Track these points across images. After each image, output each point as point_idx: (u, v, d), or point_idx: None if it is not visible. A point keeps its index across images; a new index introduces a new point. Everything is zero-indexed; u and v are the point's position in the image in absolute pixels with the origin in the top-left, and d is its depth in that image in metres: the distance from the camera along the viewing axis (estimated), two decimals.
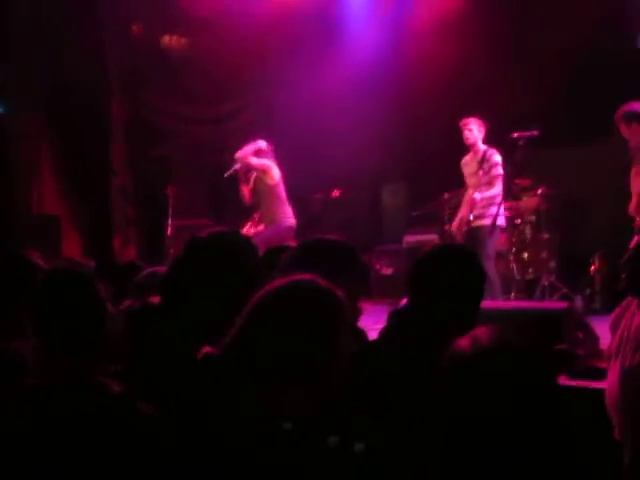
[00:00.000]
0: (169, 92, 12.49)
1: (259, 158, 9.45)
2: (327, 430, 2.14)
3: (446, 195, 10.07)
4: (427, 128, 11.73)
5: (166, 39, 12.78)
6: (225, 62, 11.97)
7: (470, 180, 8.86)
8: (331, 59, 12.02)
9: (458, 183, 9.91)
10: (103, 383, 2.63)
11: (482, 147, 8.75)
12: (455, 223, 8.91)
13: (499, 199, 8.55)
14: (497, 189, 8.64)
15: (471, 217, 8.56)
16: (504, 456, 1.85)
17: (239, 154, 9.53)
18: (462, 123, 8.87)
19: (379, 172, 12.94)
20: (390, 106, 12.09)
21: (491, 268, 8.36)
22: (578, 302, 8.95)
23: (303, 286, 2.31)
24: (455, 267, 3.23)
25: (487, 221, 8.41)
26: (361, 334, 3.55)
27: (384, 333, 3.35)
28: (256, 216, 10.48)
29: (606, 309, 9.02)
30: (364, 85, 12.03)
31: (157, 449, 2.47)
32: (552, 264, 9.65)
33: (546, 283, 9.35)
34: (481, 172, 8.59)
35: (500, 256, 9.10)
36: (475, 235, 8.58)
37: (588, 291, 9.66)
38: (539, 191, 9.18)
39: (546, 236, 9.65)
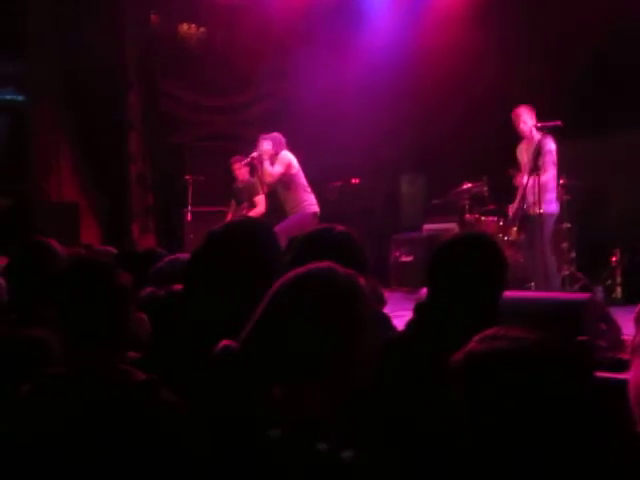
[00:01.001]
0: (186, 81, 12.52)
1: (275, 150, 9.39)
2: (316, 436, 2.11)
3: (466, 185, 10.04)
4: (444, 118, 11.70)
5: (184, 28, 12.78)
6: (242, 52, 11.99)
7: (526, 167, 8.80)
8: (347, 50, 12.03)
9: (475, 172, 9.89)
10: (127, 371, 2.62)
11: (536, 135, 8.67)
12: (512, 210, 8.88)
13: (552, 184, 8.57)
14: (549, 174, 8.60)
15: (524, 205, 8.54)
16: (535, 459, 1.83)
17: (255, 154, 9.51)
18: (514, 114, 8.82)
19: (397, 161, 12.92)
20: (407, 96, 12.10)
21: (547, 255, 8.52)
22: (599, 293, 8.92)
23: (321, 274, 2.25)
24: (474, 255, 3.15)
25: (541, 208, 8.39)
26: (387, 321, 3.53)
27: (408, 328, 3.31)
28: (233, 204, 10.60)
29: (627, 300, 9.01)
30: (381, 75, 12.01)
31: (181, 437, 2.46)
32: (572, 254, 9.59)
33: (566, 273, 9.30)
34: (537, 159, 8.54)
35: (520, 246, 9.05)
36: (531, 222, 8.59)
37: (609, 282, 9.62)
38: (560, 181, 9.10)
39: (567, 226, 9.60)
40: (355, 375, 2.20)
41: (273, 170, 9.25)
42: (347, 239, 3.37)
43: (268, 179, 9.31)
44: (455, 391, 1.94)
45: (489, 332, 1.97)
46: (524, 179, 8.62)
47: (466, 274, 3.11)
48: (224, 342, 2.48)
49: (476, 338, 1.99)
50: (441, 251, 3.23)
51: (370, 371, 2.26)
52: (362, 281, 2.29)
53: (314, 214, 9.32)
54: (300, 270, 2.28)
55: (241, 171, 10.52)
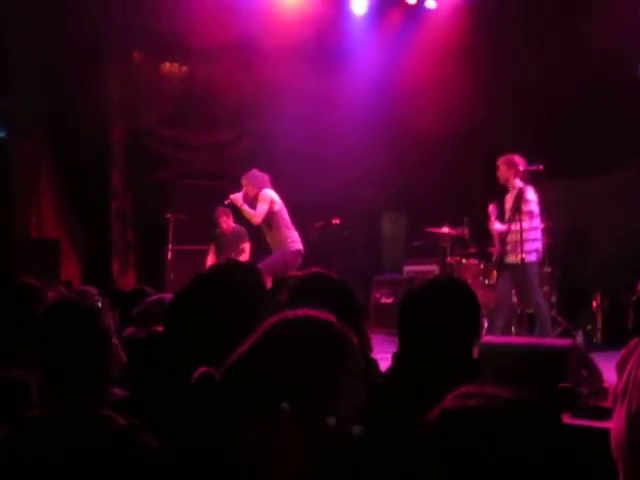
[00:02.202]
0: (169, 119, 12.51)
1: (257, 190, 9.39)
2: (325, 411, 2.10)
3: (447, 227, 10.07)
4: (427, 159, 11.77)
5: (167, 67, 12.81)
6: (224, 91, 11.99)
7: (507, 216, 8.81)
8: (331, 89, 12.09)
9: (457, 214, 9.92)
10: (107, 416, 2.59)
11: (518, 184, 8.67)
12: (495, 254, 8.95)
13: (531, 235, 8.58)
14: (528, 224, 8.60)
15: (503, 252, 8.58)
16: None
17: (233, 197, 9.49)
18: (497, 163, 8.89)
19: (378, 201, 12.96)
20: (389, 136, 12.16)
21: (538, 300, 8.61)
22: (579, 337, 8.93)
23: (316, 322, 2.24)
24: (444, 302, 3.09)
25: (519, 257, 8.41)
26: (373, 364, 3.52)
27: (386, 377, 3.28)
28: (213, 247, 10.61)
29: (607, 345, 9.02)
30: (364, 115, 12.08)
31: None
32: (553, 298, 9.63)
33: None
34: (518, 207, 8.56)
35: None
36: (510, 270, 8.65)
37: (589, 326, 9.64)
38: (541, 226, 9.15)
39: (547, 270, 9.63)
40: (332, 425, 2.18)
41: (256, 212, 9.24)
42: (344, 286, 3.37)
43: (254, 221, 9.29)
44: (429, 447, 1.92)
45: (463, 389, 1.96)
46: (504, 226, 8.66)
47: (435, 322, 3.05)
48: (203, 369, 2.46)
49: (450, 395, 1.97)
50: (409, 300, 3.18)
51: (348, 423, 2.24)
52: (352, 335, 2.28)
53: (298, 251, 9.31)
54: (297, 313, 2.26)
55: (227, 223, 10.48)
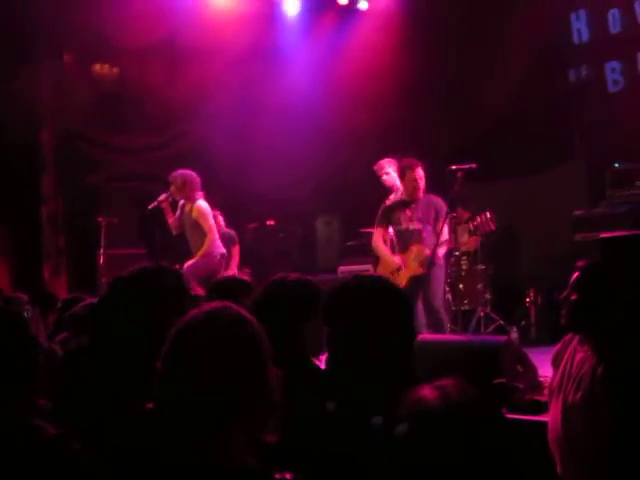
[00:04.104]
0: (100, 122, 12.35)
1: (187, 194, 9.33)
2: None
3: None
4: (359, 159, 11.78)
5: (97, 68, 12.65)
6: (157, 92, 11.87)
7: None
8: (263, 90, 12.06)
9: None
10: (37, 426, 2.53)
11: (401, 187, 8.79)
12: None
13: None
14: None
15: None
16: None
17: (163, 197, 9.45)
18: (376, 167, 8.97)
19: (312, 203, 12.94)
20: (321, 138, 12.15)
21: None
22: (514, 334, 9.02)
23: (218, 317, 2.17)
24: (374, 298, 2.92)
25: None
26: (317, 371, 3.46)
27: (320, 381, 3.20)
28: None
29: (541, 341, 9.13)
30: (295, 116, 12.06)
31: None
32: (487, 295, 9.70)
33: (482, 314, 9.39)
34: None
35: None
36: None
37: (523, 322, 9.74)
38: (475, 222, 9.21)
39: (482, 268, 9.71)
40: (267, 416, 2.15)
41: (209, 230, 9.20)
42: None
43: (213, 237, 9.22)
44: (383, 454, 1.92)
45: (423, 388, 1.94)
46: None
47: (365, 326, 2.88)
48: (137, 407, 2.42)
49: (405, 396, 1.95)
50: (332, 301, 3.01)
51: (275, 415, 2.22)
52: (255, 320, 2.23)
53: (222, 255, 9.30)
54: (194, 314, 2.19)
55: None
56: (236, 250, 10.66)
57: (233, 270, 10.36)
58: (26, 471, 2.39)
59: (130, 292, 2.93)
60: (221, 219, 10.62)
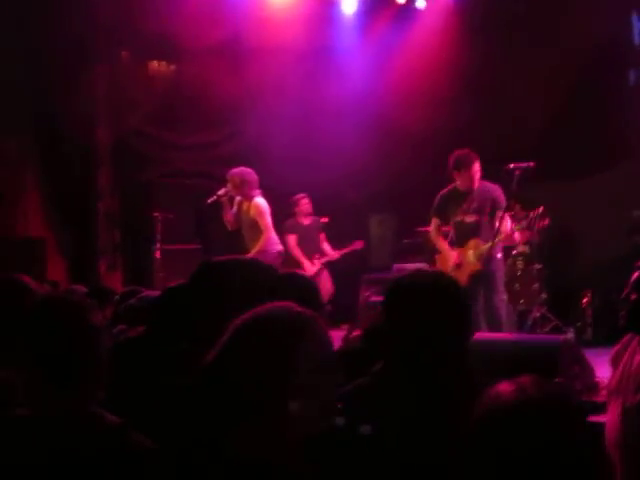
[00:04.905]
0: (156, 119, 12.44)
1: (247, 192, 9.40)
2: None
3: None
4: (413, 158, 11.78)
5: (154, 66, 12.75)
6: (212, 90, 11.93)
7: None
8: (319, 90, 12.07)
9: None
10: (98, 414, 2.55)
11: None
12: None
13: None
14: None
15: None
16: None
17: (222, 192, 9.53)
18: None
19: (366, 201, 12.94)
20: (376, 137, 12.15)
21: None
22: (570, 334, 8.93)
23: (280, 313, 2.20)
24: (429, 302, 2.88)
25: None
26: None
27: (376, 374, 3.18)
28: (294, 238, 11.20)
29: (598, 342, 9.03)
30: (350, 116, 12.08)
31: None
32: (543, 295, 9.62)
33: (537, 315, 9.31)
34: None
35: None
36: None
37: (579, 323, 9.64)
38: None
39: (537, 267, 9.63)
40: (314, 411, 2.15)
41: (266, 228, 9.31)
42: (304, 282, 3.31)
43: (269, 235, 9.32)
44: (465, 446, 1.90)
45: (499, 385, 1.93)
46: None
47: (421, 323, 2.87)
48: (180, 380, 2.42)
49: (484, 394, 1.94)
50: (392, 300, 3.00)
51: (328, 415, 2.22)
52: (321, 321, 2.24)
53: (278, 253, 9.34)
54: (261, 308, 2.22)
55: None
56: (323, 237, 11.24)
57: (335, 253, 10.99)
58: (90, 460, 2.41)
59: (215, 281, 2.91)
60: (307, 202, 10.88)
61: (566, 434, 1.82)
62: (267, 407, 2.08)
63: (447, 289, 2.97)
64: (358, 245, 11.17)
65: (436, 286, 2.96)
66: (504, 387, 1.89)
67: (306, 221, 11.38)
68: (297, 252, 11.15)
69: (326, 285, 11.13)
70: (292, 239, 11.22)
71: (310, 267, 10.98)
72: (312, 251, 11.21)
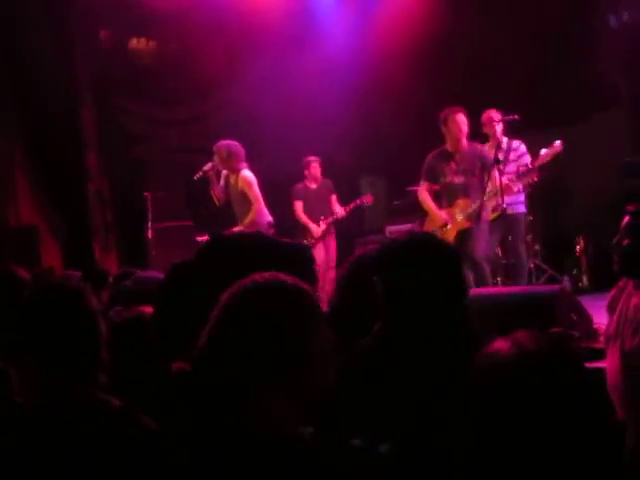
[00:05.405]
0: (140, 96, 12.40)
1: (234, 165, 9.37)
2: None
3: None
4: (402, 119, 11.75)
5: (134, 42, 12.68)
6: (194, 64, 11.89)
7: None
8: (302, 55, 11.99)
9: None
10: (102, 399, 2.57)
11: (500, 136, 8.79)
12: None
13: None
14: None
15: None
16: (540, 456, 1.80)
17: (208, 166, 9.50)
18: (487, 118, 8.85)
19: (356, 164, 12.92)
20: (364, 99, 12.11)
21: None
22: (566, 283, 8.96)
23: (266, 284, 2.18)
24: (424, 267, 2.94)
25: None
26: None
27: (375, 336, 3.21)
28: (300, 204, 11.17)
29: (594, 288, 9.09)
30: (337, 79, 12.00)
31: (163, 462, 2.40)
32: (537, 247, 9.65)
33: (532, 266, 9.34)
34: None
35: None
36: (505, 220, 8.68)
37: (575, 271, 9.68)
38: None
39: (530, 219, 9.64)
40: (316, 379, 2.16)
41: (255, 200, 9.25)
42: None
43: (259, 208, 9.28)
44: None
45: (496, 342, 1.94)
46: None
47: (417, 284, 2.92)
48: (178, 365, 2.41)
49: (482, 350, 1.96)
50: (386, 265, 3.03)
51: (331, 375, 2.22)
52: (309, 288, 2.25)
53: (269, 224, 9.34)
54: (244, 282, 2.21)
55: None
56: (334, 198, 11.12)
57: (343, 210, 10.95)
58: (97, 445, 2.43)
59: (222, 257, 2.88)
60: (317, 166, 10.87)
61: (566, 383, 1.84)
62: (289, 370, 2.10)
63: (438, 249, 3.05)
64: (367, 199, 11.03)
65: (429, 248, 3.03)
66: (500, 344, 1.90)
67: (314, 184, 11.28)
68: (303, 217, 11.08)
69: (331, 246, 11.12)
70: (299, 205, 11.15)
71: (316, 229, 10.93)
72: (322, 213, 11.11)
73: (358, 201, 10.96)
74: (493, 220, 8.47)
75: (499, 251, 9.44)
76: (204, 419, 2.15)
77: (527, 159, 8.70)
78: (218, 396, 2.11)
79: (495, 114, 8.75)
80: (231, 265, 2.72)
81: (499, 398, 1.84)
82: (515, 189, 8.55)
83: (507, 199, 8.28)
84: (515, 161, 8.77)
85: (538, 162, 8.53)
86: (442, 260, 2.99)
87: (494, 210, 8.44)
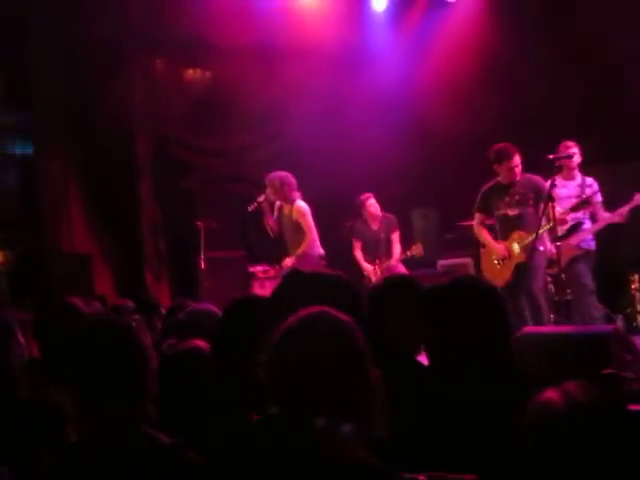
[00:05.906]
0: (193, 126, 12.50)
1: (287, 195, 9.39)
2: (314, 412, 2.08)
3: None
4: (454, 151, 11.72)
5: (189, 71, 12.81)
6: (248, 94, 11.98)
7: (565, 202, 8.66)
8: (354, 88, 12.09)
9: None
10: (151, 435, 2.57)
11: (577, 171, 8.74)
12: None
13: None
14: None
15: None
16: None
17: (262, 198, 9.52)
18: (566, 147, 8.63)
19: (407, 197, 12.89)
20: (415, 131, 12.13)
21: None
22: (620, 322, 8.83)
23: (315, 321, 2.21)
24: (468, 309, 3.05)
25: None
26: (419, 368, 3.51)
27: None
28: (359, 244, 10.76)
29: None
30: (388, 112, 12.07)
31: None
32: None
33: None
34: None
35: None
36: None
37: (629, 310, 9.53)
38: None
39: None
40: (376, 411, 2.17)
41: (308, 230, 9.32)
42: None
43: (312, 237, 9.30)
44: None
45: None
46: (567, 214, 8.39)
47: (462, 329, 3.02)
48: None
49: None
50: (430, 307, 3.15)
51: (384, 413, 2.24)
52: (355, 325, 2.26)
53: (320, 256, 9.37)
54: (294, 318, 2.23)
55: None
56: (396, 237, 10.61)
57: (396, 256, 10.44)
58: None
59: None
60: (373, 203, 10.56)
61: (616, 437, 1.82)
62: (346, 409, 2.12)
63: (485, 292, 3.15)
64: (417, 250, 10.46)
65: (474, 290, 3.14)
66: (551, 394, 1.89)
67: (375, 225, 10.77)
68: (358, 256, 10.70)
69: None
70: (357, 245, 10.77)
71: (369, 271, 10.51)
72: (382, 254, 10.72)
73: (408, 252, 10.57)
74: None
75: (552, 288, 9.31)
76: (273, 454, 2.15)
77: (599, 197, 8.58)
78: (289, 435, 2.14)
79: (573, 146, 8.58)
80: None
81: (549, 449, 1.83)
82: (568, 221, 8.44)
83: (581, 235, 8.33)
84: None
85: (617, 219, 8.47)
86: (485, 303, 3.07)
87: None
